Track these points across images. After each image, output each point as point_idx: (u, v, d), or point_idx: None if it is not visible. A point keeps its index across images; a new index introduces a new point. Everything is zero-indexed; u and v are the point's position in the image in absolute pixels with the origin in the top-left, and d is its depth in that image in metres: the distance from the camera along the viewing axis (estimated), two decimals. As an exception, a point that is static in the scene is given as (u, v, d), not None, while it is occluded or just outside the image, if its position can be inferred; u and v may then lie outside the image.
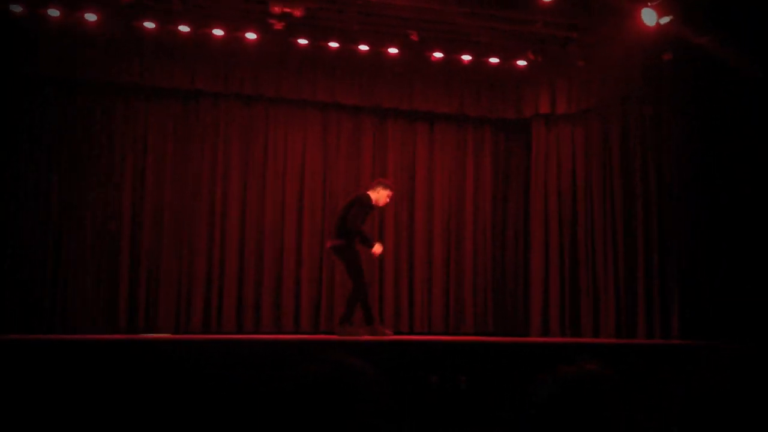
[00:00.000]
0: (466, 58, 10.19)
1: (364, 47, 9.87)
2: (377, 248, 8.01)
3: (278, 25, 9.17)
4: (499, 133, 11.08)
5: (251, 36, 9.48)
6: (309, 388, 1.83)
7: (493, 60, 10.26)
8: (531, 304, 10.42)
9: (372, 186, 8.24)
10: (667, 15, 8.34)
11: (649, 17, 8.41)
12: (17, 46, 8.97)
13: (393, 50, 9.93)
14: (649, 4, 8.38)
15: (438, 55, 10.10)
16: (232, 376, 5.25)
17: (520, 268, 10.81)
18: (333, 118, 10.49)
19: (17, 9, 8.69)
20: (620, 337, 9.31)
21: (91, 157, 9.52)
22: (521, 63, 10.33)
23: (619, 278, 9.55)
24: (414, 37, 9.66)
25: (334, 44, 9.77)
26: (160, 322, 9.46)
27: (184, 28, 9.25)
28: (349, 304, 7.80)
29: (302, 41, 9.68)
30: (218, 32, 9.36)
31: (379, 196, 8.08)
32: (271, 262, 9.96)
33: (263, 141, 10.17)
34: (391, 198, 8.36)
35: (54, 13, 8.81)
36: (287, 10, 8.82)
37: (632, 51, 9.23)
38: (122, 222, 9.53)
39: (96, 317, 9.26)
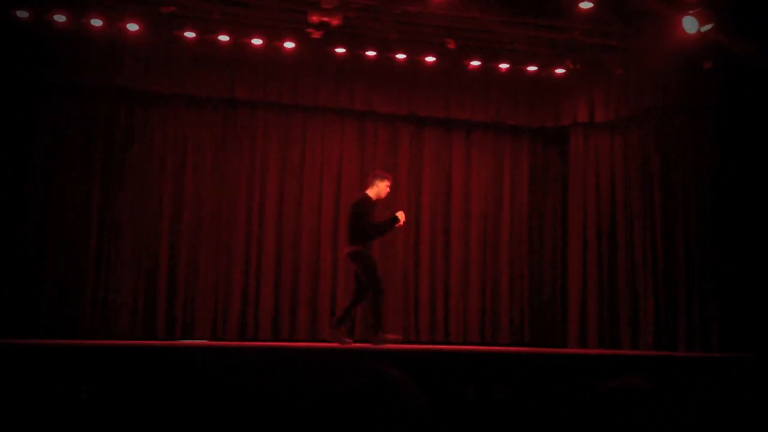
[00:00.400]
0: (504, 66, 10.15)
1: (401, 56, 9.88)
2: (400, 215, 7.88)
3: (316, 34, 9.22)
4: (537, 141, 11.00)
5: (289, 45, 9.55)
6: (346, 399, 1.83)
7: (531, 68, 10.21)
8: (569, 314, 10.31)
9: (369, 183, 8.06)
10: (708, 23, 8.22)
11: (690, 25, 8.29)
12: (60, 55, 9.15)
13: (430, 59, 9.93)
14: (690, 12, 8.26)
15: (475, 63, 10.07)
16: (267, 384, 5.26)
17: (557, 278, 10.70)
18: (370, 127, 10.51)
19: (61, 18, 8.85)
20: (659, 350, 9.17)
21: (131, 165, 9.64)
22: (559, 71, 10.26)
23: (659, 289, 9.41)
24: (451, 46, 9.64)
25: (371, 53, 9.80)
26: (197, 328, 9.53)
27: (223, 38, 9.34)
28: (375, 312, 7.75)
29: (340, 50, 9.72)
30: (257, 41, 9.44)
31: (379, 189, 7.96)
32: (307, 269, 9.99)
33: (300, 149, 10.22)
34: (391, 186, 8.19)
35: (97, 23, 8.95)
36: (325, 19, 8.86)
37: (672, 59, 9.12)
38: (161, 229, 9.64)
39: (135, 324, 9.36)
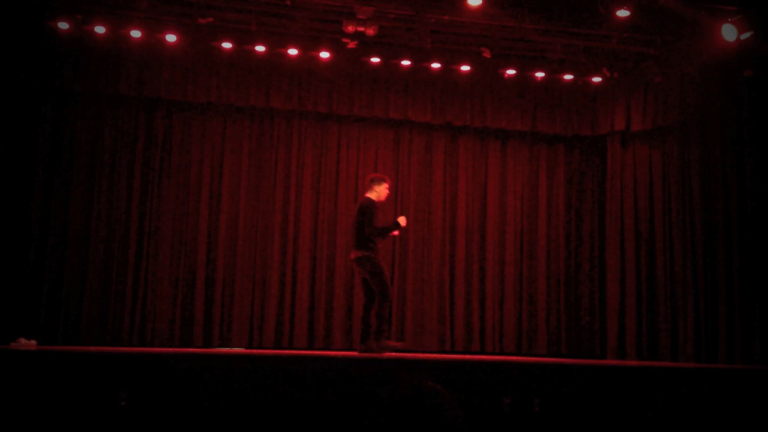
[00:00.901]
0: (540, 74, 10.11)
1: (436, 65, 9.88)
2: (401, 220, 7.75)
3: (351, 44, 9.27)
4: (573, 150, 10.92)
5: (325, 55, 9.60)
6: (387, 410, 1.82)
7: (567, 77, 10.15)
8: (607, 325, 10.18)
9: (368, 187, 7.91)
10: (748, 31, 8.11)
11: (729, 33, 8.18)
12: (100, 66, 9.31)
13: (465, 68, 9.92)
14: (729, 19, 8.16)
15: (511, 72, 10.04)
16: (306, 394, 5.26)
17: (594, 288, 10.58)
18: (405, 136, 10.52)
19: (101, 30, 8.99)
20: (699, 361, 9.03)
21: (169, 174, 9.75)
22: (596, 79, 10.18)
23: (699, 300, 9.28)
24: (486, 55, 9.62)
25: (406, 62, 9.81)
26: (234, 337, 9.58)
27: (259, 48, 9.42)
28: (379, 318, 7.69)
29: (375, 59, 9.76)
30: (293, 51, 9.50)
31: (379, 192, 7.81)
32: (342, 278, 10.00)
33: (336, 158, 10.26)
34: (390, 187, 8.03)
35: (136, 34, 9.08)
36: (360, 29, 8.90)
37: (712, 67, 9.01)
38: (198, 238, 9.72)
39: (173, 331, 9.45)
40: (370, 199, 7.81)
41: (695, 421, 1.86)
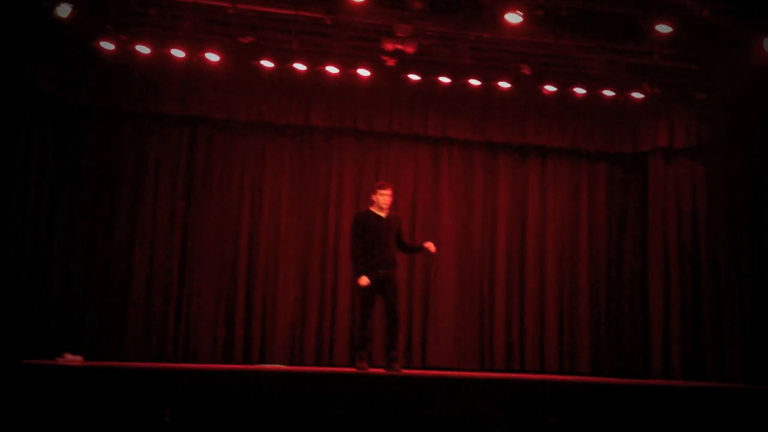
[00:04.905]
0: (580, 91, 10.02)
1: (475, 82, 9.86)
2: (361, 281, 7.57)
3: (390, 62, 9.30)
4: (615, 167, 10.81)
5: (364, 72, 9.64)
6: (437, 430, 1.82)
7: (608, 93, 10.05)
8: (651, 344, 10.00)
9: (370, 200, 7.92)
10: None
11: (772, 48, 8.08)
12: (143, 85, 9.48)
13: (505, 84, 9.88)
14: (771, 33, 8.05)
15: (551, 88, 9.97)
16: (352, 414, 5.26)
17: (637, 306, 10.43)
18: (444, 153, 10.50)
19: (144, 50, 9.14)
20: (747, 382, 8.85)
21: (211, 192, 9.85)
22: (637, 96, 10.07)
23: (746, 318, 9.10)
24: (526, 71, 9.59)
25: (445, 79, 9.81)
26: (275, 354, 9.61)
27: (299, 66, 9.49)
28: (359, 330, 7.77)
29: (414, 77, 9.78)
30: (332, 69, 9.56)
31: (377, 200, 7.74)
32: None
33: (375, 175, 10.27)
34: (389, 192, 7.81)
35: (178, 53, 9.21)
36: (399, 46, 8.93)
37: (755, 82, 8.88)
38: (239, 254, 9.80)
39: (216, 347, 9.52)
40: (357, 215, 7.87)
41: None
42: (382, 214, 7.74)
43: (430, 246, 7.90)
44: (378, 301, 7.78)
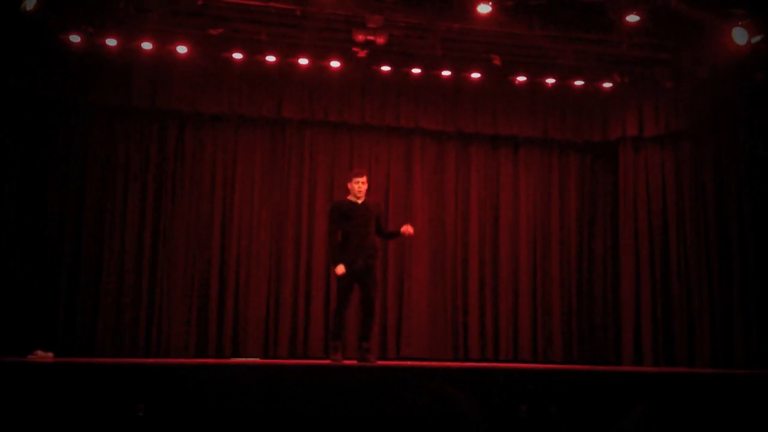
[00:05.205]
0: (550, 81, 10.10)
1: (446, 73, 9.89)
2: (337, 269, 7.44)
3: (362, 53, 9.28)
4: (585, 156, 10.90)
5: (335, 64, 9.63)
6: (409, 419, 1.82)
7: (578, 83, 10.14)
8: (622, 331, 10.11)
9: (346, 188, 7.88)
10: (759, 34, 8.08)
11: (740, 37, 8.16)
12: (112, 78, 9.35)
13: (476, 75, 9.93)
14: (740, 23, 8.13)
15: (521, 78, 10.03)
16: (325, 404, 5.25)
17: (608, 294, 10.54)
18: (416, 144, 10.51)
19: (112, 43, 9.04)
20: (716, 367, 8.98)
21: (183, 185, 9.78)
22: (607, 85, 10.17)
23: (715, 306, 9.24)
24: (497, 62, 9.62)
25: (416, 70, 9.82)
26: (249, 346, 9.59)
27: (270, 58, 9.45)
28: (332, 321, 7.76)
29: (385, 68, 9.78)
30: (303, 61, 9.53)
31: (353, 188, 7.62)
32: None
33: (348, 167, 10.25)
34: (363, 179, 7.68)
35: (147, 46, 9.13)
36: (370, 38, 8.91)
37: (723, 71, 8.98)
38: (211, 248, 9.75)
39: (188, 341, 9.46)
40: (332, 204, 7.87)
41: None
42: (359, 202, 7.71)
43: (407, 229, 7.82)
44: (355, 290, 7.71)
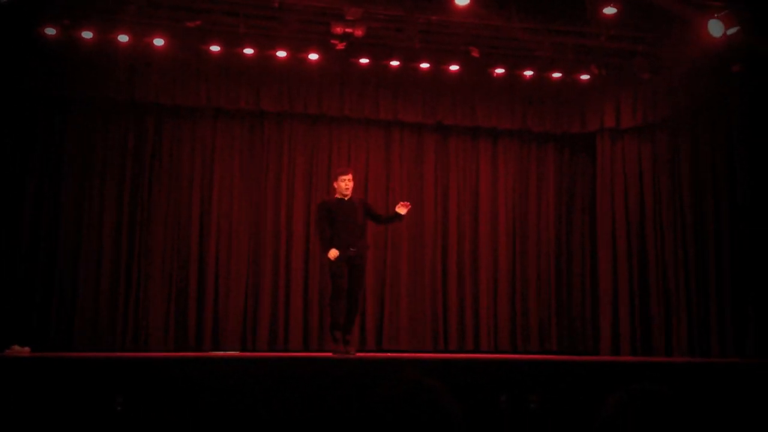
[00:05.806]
0: (529, 73, 10.12)
1: (425, 65, 9.88)
2: (330, 253, 7.45)
3: (340, 46, 9.26)
4: (564, 148, 10.96)
5: (314, 57, 9.59)
6: (385, 408, 1.83)
7: (556, 75, 10.17)
8: (600, 322, 10.20)
9: (332, 188, 7.94)
10: (734, 26, 8.14)
11: (716, 29, 8.22)
12: (88, 71, 9.25)
13: (454, 67, 9.93)
14: (715, 15, 8.19)
15: (500, 71, 10.05)
16: (302, 395, 5.26)
17: (586, 285, 10.62)
18: (396, 136, 10.52)
19: (88, 35, 8.95)
20: (693, 356, 9.07)
21: (160, 179, 9.72)
22: (585, 77, 10.21)
23: (692, 296, 9.33)
24: (475, 54, 9.64)
25: (395, 63, 9.82)
26: (228, 339, 9.56)
27: (248, 51, 9.40)
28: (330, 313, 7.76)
29: (364, 60, 9.76)
30: (281, 54, 9.49)
31: (340, 186, 7.67)
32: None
33: (327, 160, 10.26)
34: (349, 177, 7.74)
35: (123, 38, 9.04)
36: (349, 30, 8.89)
37: (700, 63, 9.05)
38: (190, 241, 9.70)
39: (166, 335, 9.42)
40: (320, 202, 7.86)
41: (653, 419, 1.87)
42: (345, 199, 7.72)
43: (402, 207, 7.78)
44: (346, 275, 7.65)
